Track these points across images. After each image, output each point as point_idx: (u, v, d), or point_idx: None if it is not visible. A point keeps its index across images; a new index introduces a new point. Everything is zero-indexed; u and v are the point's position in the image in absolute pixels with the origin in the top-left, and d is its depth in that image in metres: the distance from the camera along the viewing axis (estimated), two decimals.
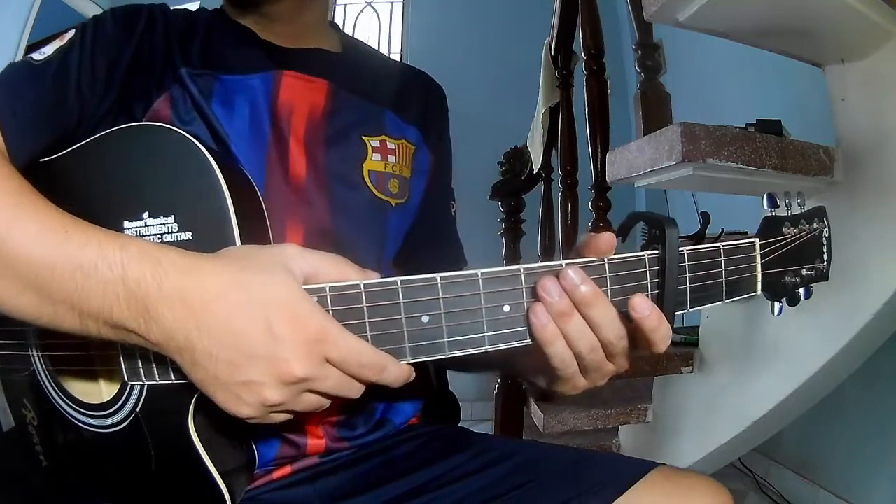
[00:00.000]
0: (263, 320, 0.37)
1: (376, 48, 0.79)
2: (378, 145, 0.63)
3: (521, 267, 0.41)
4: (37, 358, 0.53)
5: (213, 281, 0.38)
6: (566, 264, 0.41)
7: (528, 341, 0.42)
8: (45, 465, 0.56)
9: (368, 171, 0.62)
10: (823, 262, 0.50)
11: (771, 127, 1.06)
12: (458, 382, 0.76)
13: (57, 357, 0.52)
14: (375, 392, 0.62)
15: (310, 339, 0.37)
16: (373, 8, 3.78)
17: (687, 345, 1.41)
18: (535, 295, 0.41)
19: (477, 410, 2.52)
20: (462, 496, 0.56)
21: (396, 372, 0.41)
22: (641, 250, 0.43)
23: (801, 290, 0.49)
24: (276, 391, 0.38)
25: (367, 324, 0.40)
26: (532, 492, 0.54)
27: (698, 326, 1.39)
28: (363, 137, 0.63)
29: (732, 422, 1.25)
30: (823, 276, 0.50)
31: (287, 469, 0.59)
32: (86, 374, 0.51)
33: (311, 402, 0.40)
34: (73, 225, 0.40)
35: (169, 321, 0.37)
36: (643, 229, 0.45)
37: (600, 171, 1.38)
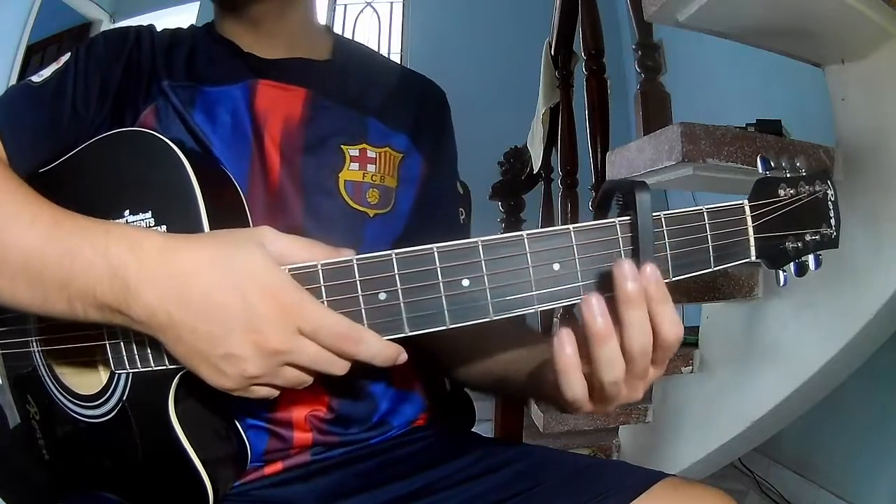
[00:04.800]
0: (240, 293, 0.39)
1: (376, 50, 0.77)
2: (357, 154, 0.63)
3: (479, 240, 0.40)
4: (37, 353, 0.55)
5: (192, 258, 0.40)
6: (527, 235, 0.40)
7: (490, 318, 0.40)
8: (47, 459, 0.57)
9: (344, 180, 0.62)
10: (831, 227, 0.45)
11: (771, 127, 1.06)
12: None
13: (54, 350, 0.53)
14: (379, 386, 0.63)
15: (283, 309, 0.39)
16: (373, 8, 3.79)
17: (687, 345, 1.41)
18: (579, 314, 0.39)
19: (477, 410, 2.52)
20: (462, 500, 0.55)
21: (377, 345, 0.40)
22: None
23: (810, 258, 0.45)
24: (254, 363, 0.39)
25: (324, 303, 0.40)
26: (535, 498, 0.54)
27: (698, 326, 1.39)
28: (342, 146, 0.63)
29: (732, 422, 1.25)
30: (833, 243, 0.45)
31: (278, 465, 0.59)
32: (79, 365, 0.52)
33: (291, 376, 0.41)
34: (63, 216, 0.43)
35: (150, 298, 0.39)
36: (617, 199, 0.42)
37: (600, 171, 1.38)
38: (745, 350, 1.24)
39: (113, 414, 0.50)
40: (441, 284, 0.40)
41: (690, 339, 1.40)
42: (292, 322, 0.39)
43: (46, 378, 0.54)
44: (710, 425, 1.30)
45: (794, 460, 1.91)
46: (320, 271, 0.40)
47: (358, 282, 0.40)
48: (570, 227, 0.40)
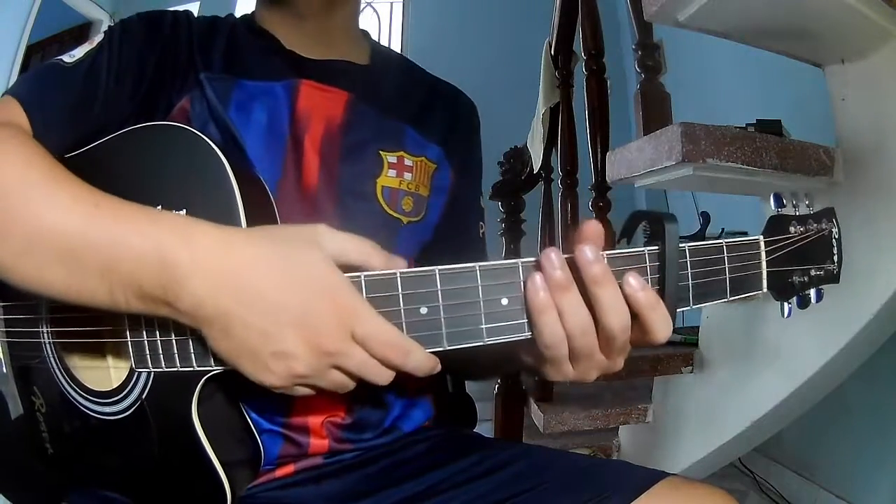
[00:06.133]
0: (297, 291, 0.38)
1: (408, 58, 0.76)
2: (395, 161, 0.63)
3: (519, 261, 0.41)
4: (48, 345, 0.54)
5: (246, 252, 0.39)
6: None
7: (525, 335, 0.42)
8: (50, 453, 0.56)
9: (382, 186, 0.62)
10: (833, 263, 0.49)
11: (771, 127, 1.06)
12: None
13: (68, 344, 0.53)
14: (393, 392, 0.62)
15: (340, 311, 0.39)
16: (373, 8, 3.78)
17: (687, 345, 1.41)
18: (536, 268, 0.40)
19: (478, 410, 2.51)
20: (467, 500, 0.55)
21: (421, 358, 0.41)
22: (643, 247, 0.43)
23: (812, 292, 0.48)
24: (304, 362, 0.39)
25: None
26: (537, 498, 0.54)
27: (698, 326, 1.39)
28: (380, 152, 0.62)
29: (732, 422, 1.25)
30: (834, 278, 0.49)
31: (290, 468, 0.59)
32: (95, 360, 0.52)
33: (336, 379, 0.41)
34: (103, 199, 0.41)
35: (200, 290, 0.38)
36: (644, 227, 0.45)
37: (600, 171, 1.38)
38: (745, 350, 1.24)
39: (129, 412, 0.49)
40: (481, 302, 0.41)
41: (690, 339, 1.41)
42: (348, 324, 0.39)
43: (56, 370, 0.54)
44: (710, 425, 1.30)
45: (794, 460, 1.91)
46: (363, 282, 0.41)
47: (401, 295, 0.41)
48: (604, 254, 0.42)
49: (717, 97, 2.38)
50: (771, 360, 1.17)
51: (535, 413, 1.43)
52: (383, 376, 0.41)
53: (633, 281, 0.40)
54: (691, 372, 1.34)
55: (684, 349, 1.37)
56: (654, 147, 0.98)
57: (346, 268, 0.41)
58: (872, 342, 1.08)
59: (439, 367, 0.42)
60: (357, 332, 0.39)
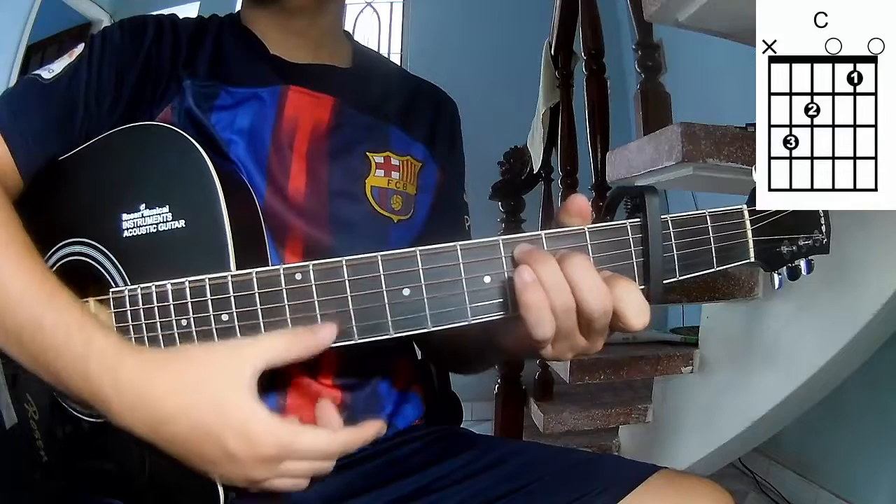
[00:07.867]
0: (217, 442, 0.41)
1: (386, 56, 0.77)
2: (382, 161, 0.63)
3: (500, 238, 0.41)
4: None
5: (168, 403, 0.41)
6: (545, 234, 0.42)
7: (509, 313, 0.42)
8: (45, 461, 0.56)
9: (371, 186, 0.62)
10: (822, 233, 0.48)
11: None
12: (458, 382, 0.76)
13: None
14: (383, 385, 0.63)
15: (264, 457, 0.41)
16: (373, 8, 3.78)
17: (687, 345, 1.41)
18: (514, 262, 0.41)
19: (477, 410, 2.51)
20: (463, 497, 0.56)
21: (360, 441, 0.45)
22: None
23: (802, 263, 0.47)
24: (243, 482, 0.43)
25: (349, 298, 0.42)
26: (533, 494, 0.54)
27: (698, 326, 1.39)
28: (367, 154, 0.63)
29: (733, 422, 1.25)
30: (823, 248, 0.48)
31: None
32: None
33: (286, 484, 0.44)
34: (47, 302, 0.43)
35: (132, 425, 0.41)
36: (626, 202, 0.45)
37: (600, 171, 1.38)
38: (745, 350, 1.24)
39: None
40: (464, 281, 0.41)
41: (690, 339, 1.41)
42: (275, 461, 0.41)
43: None
44: (710, 425, 1.30)
45: (794, 460, 1.91)
46: (344, 267, 0.41)
47: (382, 277, 0.41)
48: (585, 227, 0.42)
49: (717, 97, 2.38)
50: (771, 360, 1.17)
51: (535, 413, 1.44)
52: (327, 467, 0.44)
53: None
54: (691, 372, 1.34)
55: (684, 349, 1.38)
56: (654, 147, 0.98)
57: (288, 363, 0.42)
58: (872, 342, 1.08)
59: (384, 430, 0.47)
60: (289, 458, 0.42)
